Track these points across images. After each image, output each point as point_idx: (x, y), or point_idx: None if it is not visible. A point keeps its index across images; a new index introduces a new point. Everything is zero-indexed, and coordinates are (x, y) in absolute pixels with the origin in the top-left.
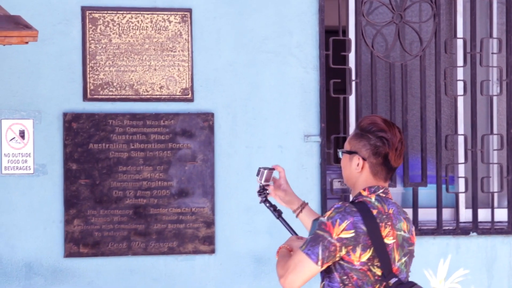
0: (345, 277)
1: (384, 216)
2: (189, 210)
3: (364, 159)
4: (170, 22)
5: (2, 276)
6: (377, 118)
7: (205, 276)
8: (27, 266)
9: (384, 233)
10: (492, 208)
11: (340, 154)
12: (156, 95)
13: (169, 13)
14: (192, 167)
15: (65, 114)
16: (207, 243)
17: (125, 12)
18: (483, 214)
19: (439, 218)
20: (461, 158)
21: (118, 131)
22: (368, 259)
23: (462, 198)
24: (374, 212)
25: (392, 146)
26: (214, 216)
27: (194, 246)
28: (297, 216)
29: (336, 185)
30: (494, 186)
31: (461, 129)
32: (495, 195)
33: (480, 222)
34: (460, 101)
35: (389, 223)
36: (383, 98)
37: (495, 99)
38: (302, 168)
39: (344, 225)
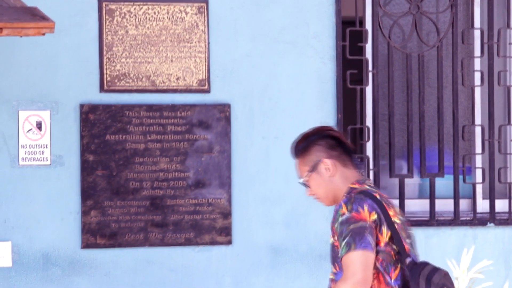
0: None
1: (385, 199)
2: (206, 201)
3: (328, 159)
4: (186, 13)
5: (20, 267)
6: (302, 134)
7: (222, 267)
8: (44, 257)
9: (391, 213)
10: (510, 198)
11: (304, 183)
12: (173, 86)
13: (186, 4)
14: (208, 158)
15: (82, 106)
16: (224, 234)
17: (141, 3)
18: (500, 205)
19: (456, 209)
20: (478, 148)
21: (134, 123)
22: (390, 238)
23: (479, 188)
24: (377, 196)
25: (331, 133)
26: (231, 207)
27: (211, 237)
28: None
29: None
30: (511, 176)
31: (478, 120)
32: None
33: (497, 212)
34: (477, 91)
35: (391, 205)
36: (399, 88)
37: None
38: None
39: (366, 209)
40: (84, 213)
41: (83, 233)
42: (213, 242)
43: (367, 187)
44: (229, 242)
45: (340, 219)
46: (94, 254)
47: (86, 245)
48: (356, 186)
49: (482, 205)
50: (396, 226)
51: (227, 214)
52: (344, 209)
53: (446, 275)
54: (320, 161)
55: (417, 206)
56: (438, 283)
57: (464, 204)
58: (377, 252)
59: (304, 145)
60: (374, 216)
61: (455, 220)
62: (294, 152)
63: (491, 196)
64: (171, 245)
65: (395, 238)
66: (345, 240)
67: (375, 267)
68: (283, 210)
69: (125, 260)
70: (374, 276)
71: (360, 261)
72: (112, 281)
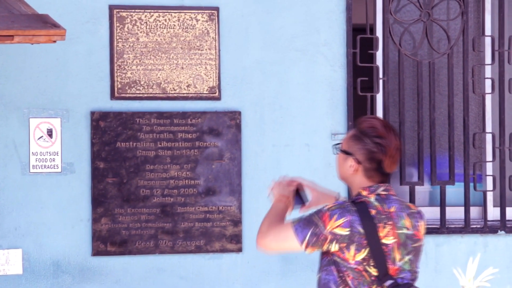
0: (341, 274)
1: (383, 216)
2: (216, 208)
3: (358, 163)
4: (197, 20)
5: (30, 274)
6: (377, 122)
7: (232, 275)
8: (55, 264)
9: (382, 234)
10: None
11: (335, 150)
12: (183, 93)
13: (197, 11)
14: (219, 165)
15: (92, 113)
16: (234, 242)
17: (152, 10)
18: (511, 213)
19: (467, 216)
20: (489, 156)
21: (145, 130)
22: (363, 259)
23: (490, 196)
24: (373, 212)
25: (388, 153)
26: (242, 214)
27: (221, 245)
28: None
29: None
30: None
31: (489, 127)
32: None
33: (508, 220)
34: (488, 99)
35: (390, 222)
36: (410, 96)
37: None
38: (329, 166)
39: (340, 221)
40: (95, 220)
41: (94, 241)
42: (223, 250)
43: (373, 198)
44: (240, 250)
45: (321, 207)
46: (104, 261)
47: (96, 252)
48: (364, 193)
49: (493, 213)
50: (386, 247)
51: (237, 222)
52: (330, 205)
53: None
54: (352, 156)
55: (427, 213)
56: None
57: (474, 211)
58: (346, 268)
59: (362, 131)
60: (344, 232)
61: (466, 228)
62: (354, 124)
63: (502, 204)
64: (181, 253)
65: (375, 260)
66: (302, 216)
67: (347, 283)
68: (293, 217)
69: (136, 268)
70: None
71: (283, 233)
72: None
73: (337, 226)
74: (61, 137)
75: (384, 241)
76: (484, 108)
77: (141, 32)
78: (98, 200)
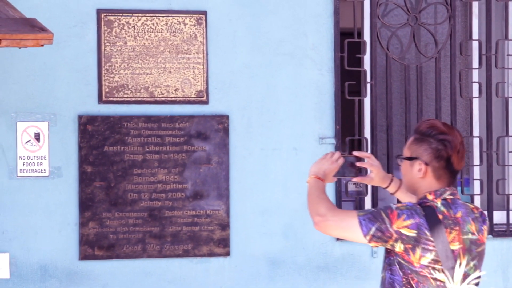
0: (406, 277)
1: (450, 222)
2: (204, 212)
3: (426, 164)
4: (185, 24)
5: (17, 279)
6: (436, 121)
7: (220, 279)
8: (42, 268)
9: (449, 239)
10: (508, 210)
11: (399, 161)
12: (171, 97)
13: (184, 15)
14: (207, 169)
15: (80, 117)
16: (222, 246)
17: (140, 14)
18: (499, 217)
19: None
20: (476, 160)
21: (133, 134)
22: (429, 263)
23: (477, 200)
24: (440, 217)
25: (455, 149)
26: (229, 218)
27: (209, 249)
28: (393, 194)
29: (351, 187)
30: (510, 188)
31: (476, 131)
32: (511, 197)
33: (496, 224)
34: (476, 103)
35: (456, 228)
36: (398, 100)
37: (510, 101)
38: None
39: (408, 222)
40: (82, 224)
41: (81, 245)
42: (211, 254)
43: (439, 203)
44: (227, 254)
45: (391, 204)
46: (92, 265)
47: (84, 256)
48: (431, 197)
49: None
50: (453, 253)
51: (225, 226)
52: (399, 204)
53: None
54: (419, 159)
55: None
56: None
57: None
58: (410, 271)
59: (423, 133)
60: (410, 234)
61: None
62: (415, 129)
63: (489, 208)
64: (169, 257)
65: (443, 266)
66: (371, 209)
67: (412, 286)
68: (281, 221)
69: (123, 272)
70: None
71: (348, 221)
72: None
73: (404, 227)
74: (49, 141)
75: (451, 246)
76: (471, 112)
77: (128, 36)
78: (86, 204)
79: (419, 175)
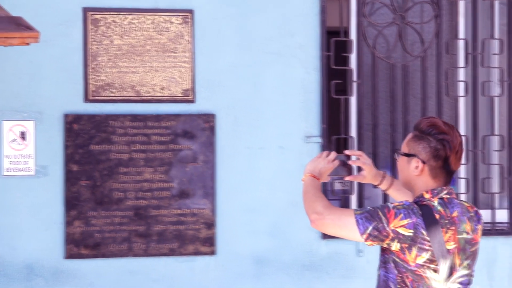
0: (400, 275)
1: (447, 221)
2: (190, 211)
3: (423, 162)
4: (171, 23)
5: (3, 277)
6: (437, 120)
7: (205, 278)
8: (28, 267)
9: (445, 238)
10: (493, 209)
11: (396, 156)
12: (157, 96)
13: (171, 14)
14: (193, 168)
15: (66, 115)
16: (208, 244)
17: (126, 13)
18: (484, 215)
19: None
20: (462, 159)
21: (119, 132)
22: (424, 262)
23: (463, 199)
24: (437, 217)
25: (453, 149)
26: (215, 217)
27: (194, 248)
28: (385, 191)
29: (337, 186)
30: (495, 187)
31: (462, 130)
32: (496, 196)
33: None
34: (462, 102)
35: (452, 227)
36: (384, 99)
37: (496, 100)
38: (303, 168)
39: (405, 222)
40: (68, 223)
41: (67, 244)
42: (197, 253)
43: (436, 202)
44: (213, 253)
45: (388, 203)
46: (77, 264)
47: (69, 255)
48: (428, 196)
49: None
50: (448, 252)
51: (211, 224)
52: (396, 203)
53: None
54: (416, 156)
55: None
56: None
57: None
58: (405, 270)
59: (423, 130)
60: (407, 233)
61: None
62: (415, 126)
63: (475, 206)
64: (154, 256)
65: (439, 266)
66: (367, 207)
67: (406, 284)
68: (267, 220)
69: (109, 271)
70: None
71: (344, 220)
72: None
73: (401, 226)
74: (35, 140)
75: (447, 246)
76: (457, 111)
77: (115, 35)
78: (72, 203)
79: (415, 173)
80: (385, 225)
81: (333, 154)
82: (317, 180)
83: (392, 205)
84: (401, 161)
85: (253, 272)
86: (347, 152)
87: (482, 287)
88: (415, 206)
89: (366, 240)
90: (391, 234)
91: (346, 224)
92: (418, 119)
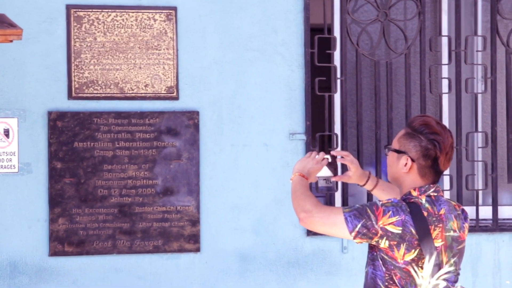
0: (388, 272)
1: (434, 219)
2: (174, 208)
3: (413, 160)
4: (155, 20)
5: None
6: (430, 119)
7: (190, 275)
8: (11, 265)
9: (433, 236)
10: (477, 205)
11: (386, 151)
12: (141, 93)
13: (154, 11)
14: (177, 165)
15: (50, 113)
16: (192, 242)
17: (110, 10)
18: (468, 212)
19: None
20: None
21: (103, 130)
22: (412, 259)
23: (447, 195)
24: (425, 214)
25: (443, 150)
26: (199, 214)
27: (179, 245)
28: (370, 191)
29: (321, 183)
30: (479, 183)
31: None
32: (480, 192)
33: None
34: (445, 99)
35: (440, 225)
36: (368, 96)
37: (479, 97)
38: (287, 166)
39: (393, 219)
40: (52, 220)
41: (51, 241)
42: (181, 250)
43: (424, 200)
44: (198, 250)
45: (376, 201)
46: (61, 262)
47: (53, 253)
48: (415, 193)
49: None
50: (436, 249)
51: (195, 222)
52: (384, 201)
53: None
54: (406, 154)
55: None
56: None
57: None
58: (393, 267)
59: (415, 129)
60: (395, 230)
61: None
62: (408, 123)
63: (459, 203)
64: (139, 253)
65: (427, 263)
66: (356, 205)
67: (394, 281)
68: (251, 217)
69: (93, 268)
70: None
71: (333, 218)
72: None
73: (389, 223)
74: (18, 137)
75: (437, 243)
76: (441, 108)
77: (98, 32)
78: (56, 200)
79: (404, 170)
80: (374, 222)
81: (322, 154)
82: (306, 179)
83: (381, 202)
84: (390, 157)
85: (237, 269)
86: (333, 152)
87: (466, 284)
88: (403, 203)
89: (355, 238)
90: (380, 232)
91: (335, 222)
92: (412, 116)
